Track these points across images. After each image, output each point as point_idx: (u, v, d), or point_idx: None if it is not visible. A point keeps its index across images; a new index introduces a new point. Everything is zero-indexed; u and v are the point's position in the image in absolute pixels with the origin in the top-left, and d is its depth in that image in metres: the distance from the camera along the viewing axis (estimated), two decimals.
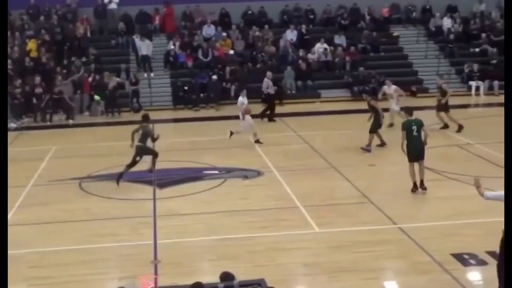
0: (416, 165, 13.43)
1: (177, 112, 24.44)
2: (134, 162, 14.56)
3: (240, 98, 18.93)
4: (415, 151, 13.34)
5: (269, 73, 23.30)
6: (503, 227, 9.23)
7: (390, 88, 20.10)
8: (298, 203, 12.98)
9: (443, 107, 19.23)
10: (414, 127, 13.30)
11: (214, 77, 25.18)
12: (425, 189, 13.39)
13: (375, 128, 17.22)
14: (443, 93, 19.29)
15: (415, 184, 13.37)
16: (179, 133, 21.25)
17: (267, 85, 22.82)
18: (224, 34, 27.74)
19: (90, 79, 24.52)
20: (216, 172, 15.65)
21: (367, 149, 16.99)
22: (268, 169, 15.63)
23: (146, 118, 15.10)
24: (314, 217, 12.10)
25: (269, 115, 22.28)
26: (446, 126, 19.19)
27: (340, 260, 10.17)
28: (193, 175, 15.45)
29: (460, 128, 18.83)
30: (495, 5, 30.31)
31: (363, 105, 24.05)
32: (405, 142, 13.46)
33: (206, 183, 14.67)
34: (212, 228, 11.57)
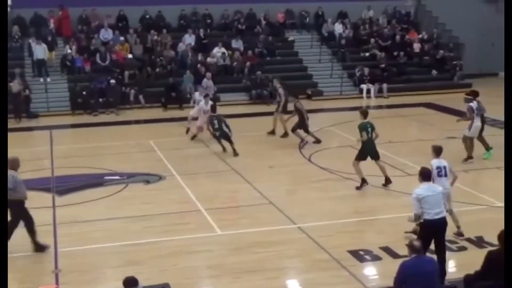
0: (362, 163, 14.19)
1: (76, 117, 23.92)
2: None
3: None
4: (368, 151, 14.09)
5: (208, 74, 23.51)
6: (408, 226, 9.82)
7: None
8: (200, 207, 13.15)
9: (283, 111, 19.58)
10: (369, 129, 14.03)
11: (113, 81, 24.87)
12: (390, 182, 14.18)
13: (297, 127, 17.95)
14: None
15: (363, 179, 14.06)
16: (78, 139, 20.85)
17: (205, 86, 23.01)
18: (122, 38, 27.44)
19: None
20: (117, 177, 15.53)
21: (304, 143, 17.85)
22: (170, 173, 15.70)
23: None
24: (216, 219, 12.33)
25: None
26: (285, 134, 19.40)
27: (243, 261, 10.44)
28: (94, 181, 15.26)
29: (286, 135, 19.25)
30: (382, 12, 31.76)
31: (261, 109, 24.77)
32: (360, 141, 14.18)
33: (107, 189, 14.53)
34: (115, 234, 11.55)
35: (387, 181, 14.20)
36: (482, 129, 16.45)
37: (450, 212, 10.58)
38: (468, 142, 16.03)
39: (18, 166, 10.85)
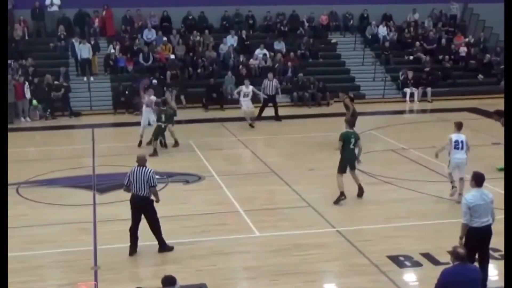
0: (343, 175, 13.51)
1: (118, 116, 24.22)
2: None
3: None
4: (348, 163, 13.45)
5: (270, 74, 23.56)
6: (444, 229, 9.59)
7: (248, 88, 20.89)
8: (239, 208, 13.12)
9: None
10: (352, 140, 13.37)
11: (155, 81, 25.08)
12: (363, 191, 13.71)
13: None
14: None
15: (342, 193, 13.35)
16: (120, 138, 21.07)
17: (264, 86, 23.13)
18: (165, 38, 27.69)
19: (26, 83, 23.85)
20: (157, 176, 15.52)
21: None
22: (209, 174, 15.72)
23: None
24: (255, 221, 12.27)
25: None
26: None
27: (280, 264, 10.35)
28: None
29: None
30: (428, 15, 31.31)
31: (303, 111, 24.66)
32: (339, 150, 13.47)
33: None
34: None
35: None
36: None
37: (461, 180, 12.66)
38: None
39: None
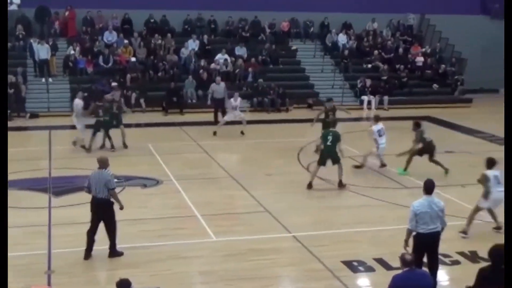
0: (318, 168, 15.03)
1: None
2: None
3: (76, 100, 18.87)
4: (326, 157, 14.98)
5: (218, 78, 23.85)
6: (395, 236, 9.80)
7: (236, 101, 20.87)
8: (196, 212, 13.17)
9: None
10: (330, 138, 14.91)
11: (115, 84, 24.89)
12: (344, 186, 15.00)
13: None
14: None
15: (310, 183, 14.88)
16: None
17: (211, 90, 23.38)
18: (126, 41, 27.54)
19: None
20: (115, 180, 15.48)
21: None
22: (167, 178, 15.72)
23: None
24: (212, 225, 12.34)
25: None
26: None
27: (236, 268, 10.44)
28: None
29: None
30: (386, 24, 31.86)
31: (262, 116, 24.81)
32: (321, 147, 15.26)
33: None
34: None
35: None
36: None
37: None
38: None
39: None
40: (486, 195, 11.81)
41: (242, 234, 12.02)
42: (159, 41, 28.02)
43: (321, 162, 15.03)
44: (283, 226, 12.44)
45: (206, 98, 24.18)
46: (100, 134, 18.48)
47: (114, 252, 10.79)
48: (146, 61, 27.21)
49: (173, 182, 15.37)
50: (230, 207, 13.96)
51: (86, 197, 13.77)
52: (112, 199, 10.71)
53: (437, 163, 16.18)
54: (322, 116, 18.70)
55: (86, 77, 26.00)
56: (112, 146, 18.29)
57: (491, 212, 12.09)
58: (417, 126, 16.58)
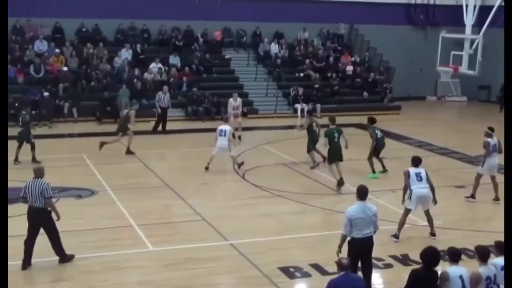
0: (334, 165, 15.86)
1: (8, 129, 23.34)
2: None
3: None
4: (336, 154, 15.80)
5: (165, 87, 23.95)
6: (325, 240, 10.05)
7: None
8: (133, 222, 13.14)
9: None
10: (336, 134, 15.81)
11: (46, 93, 24.51)
12: (343, 183, 15.58)
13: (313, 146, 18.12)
14: None
15: (338, 180, 15.64)
16: (9, 151, 20.28)
17: (158, 98, 23.40)
18: (57, 50, 27.07)
19: None
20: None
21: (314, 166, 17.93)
22: (103, 188, 15.61)
23: None
24: (149, 235, 12.35)
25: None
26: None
27: (174, 277, 10.51)
28: (24, 194, 14.94)
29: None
30: (317, 34, 32.53)
31: (196, 125, 24.89)
32: (328, 146, 15.93)
33: None
34: (46, 250, 11.35)
35: (341, 181, 15.61)
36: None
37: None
38: (478, 180, 15.10)
39: None
40: (408, 193, 12.24)
41: (180, 243, 12.08)
42: (92, 50, 27.70)
43: (333, 160, 15.81)
44: (220, 234, 12.58)
45: (140, 107, 24.01)
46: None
47: (63, 257, 10.85)
48: (79, 70, 26.83)
49: (109, 193, 15.28)
50: (166, 216, 14.01)
51: (19, 210, 13.58)
52: (49, 208, 10.67)
53: (381, 161, 17.04)
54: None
55: (16, 87, 25.39)
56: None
57: (427, 214, 12.52)
58: (370, 122, 17.10)
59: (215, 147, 17.40)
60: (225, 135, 17.27)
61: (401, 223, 12.42)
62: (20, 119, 18.37)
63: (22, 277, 10.37)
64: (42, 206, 10.58)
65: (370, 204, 9.69)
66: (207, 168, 17.32)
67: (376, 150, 17.07)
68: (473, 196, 15.22)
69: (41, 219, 10.64)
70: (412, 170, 12.29)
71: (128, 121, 19.38)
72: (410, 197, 12.24)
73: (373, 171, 16.93)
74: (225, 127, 17.56)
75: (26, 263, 10.61)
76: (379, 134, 17.10)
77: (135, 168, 18.04)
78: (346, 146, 16.35)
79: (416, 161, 12.49)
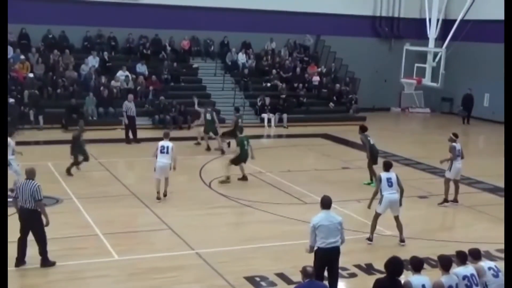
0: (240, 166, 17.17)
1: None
2: None
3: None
4: (244, 158, 17.28)
5: (130, 96, 23.77)
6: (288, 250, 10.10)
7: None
8: (98, 231, 13.05)
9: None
10: (245, 142, 17.22)
11: (12, 100, 24.20)
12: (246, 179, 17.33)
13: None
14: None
15: (228, 177, 17.05)
16: None
17: (126, 108, 23.24)
18: (23, 56, 26.76)
19: None
20: (10, 199, 15.04)
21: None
22: (67, 197, 15.48)
23: None
24: (114, 244, 12.28)
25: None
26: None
27: (140, 287, 10.49)
28: None
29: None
30: (284, 44, 32.78)
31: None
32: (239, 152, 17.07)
33: None
34: (11, 258, 11.23)
35: (244, 178, 17.29)
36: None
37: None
38: (447, 184, 15.72)
39: None
40: (380, 198, 12.60)
41: (145, 252, 12.04)
42: (58, 57, 27.46)
43: (239, 162, 17.29)
44: (186, 243, 12.58)
45: (107, 115, 23.97)
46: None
47: (45, 261, 10.97)
48: (45, 77, 26.58)
49: (73, 201, 15.17)
50: (132, 225, 13.96)
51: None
52: (39, 209, 10.87)
53: (371, 171, 17.00)
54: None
55: None
56: None
57: (396, 220, 12.77)
58: (362, 130, 17.28)
59: (156, 168, 15.39)
60: (167, 152, 15.38)
61: (373, 227, 12.80)
62: None
63: None
64: (32, 207, 10.79)
65: (334, 213, 9.82)
66: (159, 199, 15.37)
67: (373, 156, 17.22)
68: (446, 200, 15.71)
69: (30, 220, 10.87)
70: (384, 175, 12.62)
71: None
72: (380, 202, 12.59)
73: (372, 180, 16.94)
74: (167, 143, 15.56)
75: (18, 261, 10.90)
76: (371, 141, 17.33)
77: (101, 176, 17.93)
78: (252, 154, 17.54)
79: (387, 166, 12.90)
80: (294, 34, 32.80)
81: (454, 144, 15.64)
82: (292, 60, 31.89)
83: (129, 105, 23.30)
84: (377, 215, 12.77)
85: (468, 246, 9.24)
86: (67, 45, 28.38)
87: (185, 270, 11.30)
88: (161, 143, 15.57)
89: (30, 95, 25.26)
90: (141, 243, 12.69)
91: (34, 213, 10.85)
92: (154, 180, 15.49)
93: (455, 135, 15.87)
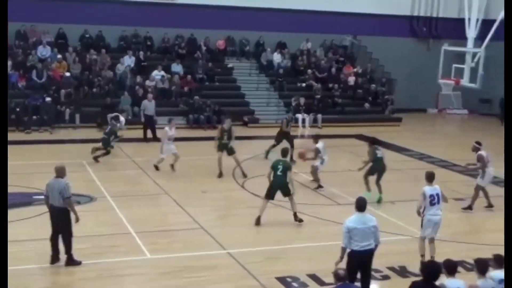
0: (265, 201, 13.89)
1: (8, 134, 23.37)
2: None
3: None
4: (274, 189, 13.74)
5: (149, 95, 24.00)
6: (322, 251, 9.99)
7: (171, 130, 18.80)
8: (131, 229, 13.12)
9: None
10: (280, 167, 13.73)
11: (48, 99, 24.55)
12: (301, 220, 13.92)
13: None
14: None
15: (259, 218, 13.72)
16: (10, 156, 20.33)
17: (143, 107, 23.52)
18: (60, 56, 27.15)
19: None
20: (41, 197, 15.25)
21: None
22: (101, 195, 15.60)
23: None
24: (147, 243, 12.32)
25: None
26: None
27: (171, 286, 10.50)
28: (23, 200, 15.01)
29: None
30: (320, 44, 32.60)
31: (198, 133, 24.91)
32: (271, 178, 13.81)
33: (35, 208, 14.22)
34: (43, 255, 11.35)
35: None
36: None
37: (431, 240, 11.54)
38: (478, 191, 15.37)
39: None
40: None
41: (177, 251, 12.06)
42: (94, 57, 27.77)
43: (269, 196, 13.83)
44: (218, 243, 12.56)
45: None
46: None
47: (70, 261, 10.99)
48: (81, 77, 26.91)
49: (108, 199, 15.28)
50: (165, 224, 14.00)
51: (18, 215, 13.67)
52: (68, 208, 10.93)
53: (379, 186, 15.95)
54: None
55: (18, 92, 25.46)
56: None
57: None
58: (371, 142, 16.83)
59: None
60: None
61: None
62: (109, 127, 19.79)
63: (16, 282, 10.32)
64: (60, 205, 10.86)
65: (369, 215, 9.67)
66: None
67: (372, 170, 16.45)
68: (470, 207, 15.27)
69: (59, 218, 10.93)
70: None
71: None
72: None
73: (368, 190, 15.93)
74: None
75: (54, 257, 10.97)
76: (379, 154, 16.47)
77: (135, 175, 18.04)
78: (291, 183, 14.01)
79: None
80: (330, 34, 32.60)
81: (481, 152, 15.24)
82: (328, 60, 31.68)
83: (146, 104, 23.43)
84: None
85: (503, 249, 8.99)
86: (104, 45, 28.71)
87: (216, 269, 11.27)
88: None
89: (66, 94, 25.58)
90: (173, 242, 12.70)
91: (63, 211, 10.91)
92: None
93: (478, 143, 15.51)
